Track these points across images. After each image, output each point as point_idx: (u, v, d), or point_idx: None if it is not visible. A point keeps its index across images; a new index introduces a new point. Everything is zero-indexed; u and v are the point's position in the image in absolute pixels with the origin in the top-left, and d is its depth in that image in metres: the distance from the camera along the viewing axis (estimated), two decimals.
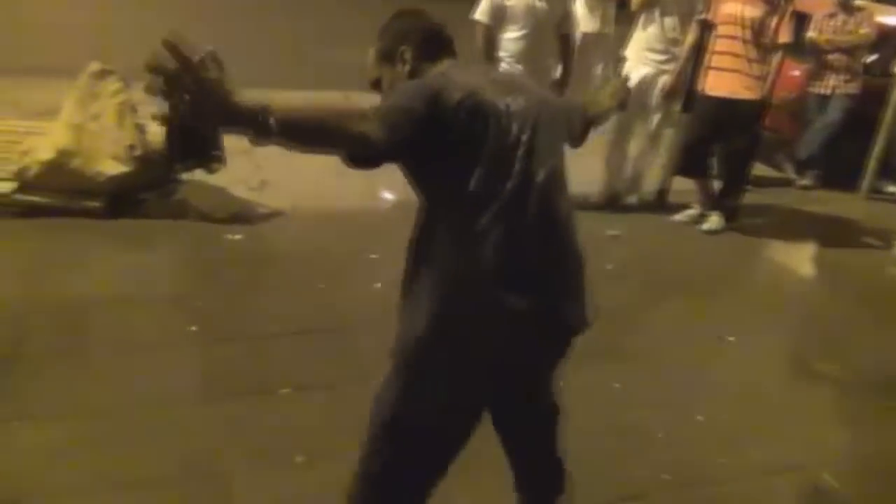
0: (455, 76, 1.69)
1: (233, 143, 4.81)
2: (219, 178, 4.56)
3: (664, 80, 4.94)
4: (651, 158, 5.27)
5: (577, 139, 2.08)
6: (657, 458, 2.78)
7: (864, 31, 5.90)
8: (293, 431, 2.69)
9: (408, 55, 1.80)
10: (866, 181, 6.08)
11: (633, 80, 5.07)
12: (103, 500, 2.31)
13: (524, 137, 1.67)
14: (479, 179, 1.61)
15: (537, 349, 1.77)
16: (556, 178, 1.74)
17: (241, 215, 4.41)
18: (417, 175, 1.70)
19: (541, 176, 1.68)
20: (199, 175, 4.48)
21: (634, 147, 5.25)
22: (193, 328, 3.24)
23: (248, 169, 5.08)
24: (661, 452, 2.82)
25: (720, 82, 4.81)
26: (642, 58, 5.00)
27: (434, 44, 1.83)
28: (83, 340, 3.09)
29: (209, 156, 4.38)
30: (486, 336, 1.66)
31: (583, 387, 3.16)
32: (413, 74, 1.79)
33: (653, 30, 4.95)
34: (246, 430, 2.68)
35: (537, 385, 1.98)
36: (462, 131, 1.59)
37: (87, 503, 2.29)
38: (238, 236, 4.18)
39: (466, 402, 1.76)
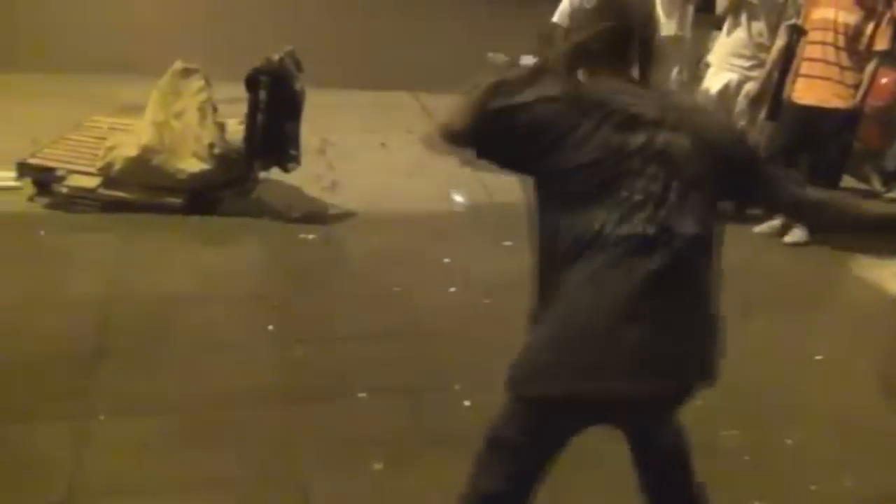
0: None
1: (306, 143, 4.87)
2: (293, 178, 4.60)
3: (749, 87, 4.78)
4: None
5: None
6: (744, 482, 2.66)
7: None
8: (370, 437, 2.67)
9: None
10: None
11: (717, 86, 4.93)
12: (186, 499, 2.32)
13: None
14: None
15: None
16: (695, 242, 1.60)
17: (314, 215, 4.42)
18: None
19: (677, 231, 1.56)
20: (274, 174, 4.52)
21: None
22: (271, 327, 3.25)
23: (320, 169, 5.12)
24: (748, 476, 2.71)
25: (809, 90, 4.62)
26: (727, 63, 4.85)
27: None
28: (164, 337, 3.13)
29: (286, 155, 4.42)
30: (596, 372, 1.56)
31: None
32: None
33: (739, 34, 4.80)
34: (323, 434, 2.67)
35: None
36: None
37: (161, 502, 2.31)
38: (312, 236, 4.19)
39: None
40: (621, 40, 1.68)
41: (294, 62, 4.43)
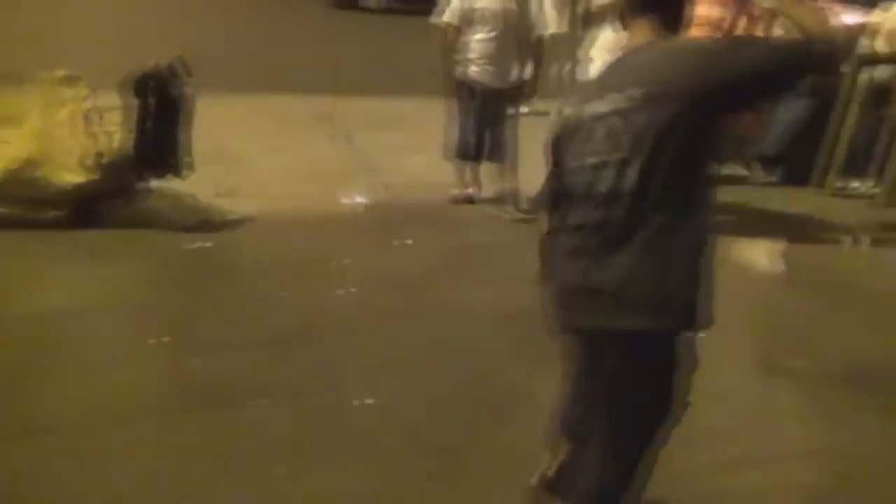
0: None
1: (201, 150, 4.79)
2: (188, 185, 4.51)
3: None
4: None
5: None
6: None
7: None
8: (270, 442, 2.66)
9: None
10: (830, 178, 6.18)
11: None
12: None
13: None
14: None
15: None
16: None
17: (210, 222, 4.36)
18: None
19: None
20: (167, 182, 4.43)
21: None
22: (161, 339, 3.19)
23: (217, 175, 5.04)
24: None
25: None
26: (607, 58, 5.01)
27: None
28: (47, 356, 3.03)
29: (179, 161, 4.34)
30: None
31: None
32: None
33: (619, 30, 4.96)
34: (216, 442, 2.64)
35: None
36: None
37: None
38: (208, 244, 4.13)
39: None
40: None
41: (183, 67, 4.35)
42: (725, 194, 5.70)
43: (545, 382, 3.16)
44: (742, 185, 6.19)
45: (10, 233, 3.93)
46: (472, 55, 4.67)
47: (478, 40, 4.62)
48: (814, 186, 6.20)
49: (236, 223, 4.44)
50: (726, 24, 4.66)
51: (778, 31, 4.50)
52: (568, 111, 1.95)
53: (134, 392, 2.87)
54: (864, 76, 6.03)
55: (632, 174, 1.75)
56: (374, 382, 3.03)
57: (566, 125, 1.94)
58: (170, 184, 4.43)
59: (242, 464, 2.55)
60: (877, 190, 6.13)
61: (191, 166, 4.40)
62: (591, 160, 1.84)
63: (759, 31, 4.65)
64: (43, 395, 2.80)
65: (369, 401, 2.94)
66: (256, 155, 5.55)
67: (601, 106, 1.82)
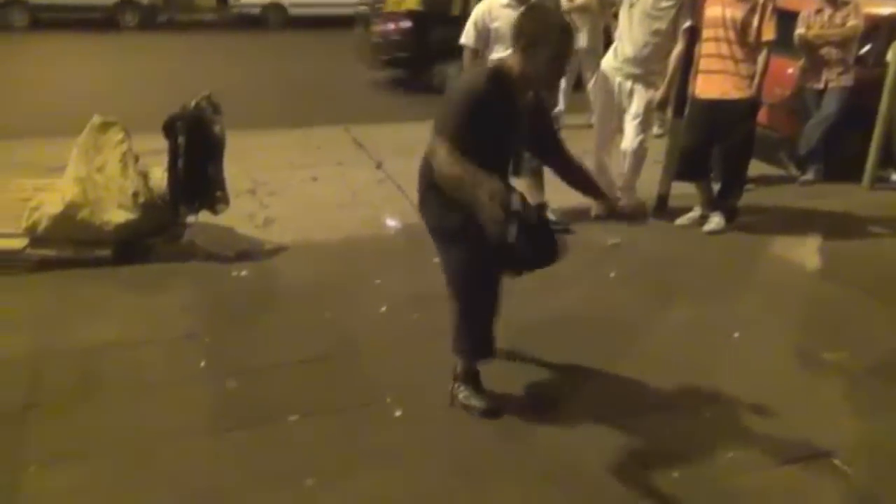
0: None
1: (236, 184, 4.96)
2: (224, 219, 4.66)
3: (653, 94, 4.91)
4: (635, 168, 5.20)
5: None
6: (668, 457, 2.79)
7: (852, 23, 5.92)
8: (302, 456, 2.74)
9: None
10: (868, 172, 6.06)
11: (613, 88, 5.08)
12: None
13: None
14: None
15: None
16: None
17: (247, 253, 4.49)
18: None
19: None
20: (204, 217, 4.58)
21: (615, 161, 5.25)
22: (202, 364, 3.31)
23: (253, 207, 5.20)
24: (671, 451, 2.84)
25: (709, 84, 4.86)
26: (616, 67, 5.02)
27: None
28: (96, 384, 3.16)
29: (213, 197, 4.49)
30: None
31: (595, 393, 3.22)
32: None
33: (626, 39, 4.95)
34: (255, 457, 2.73)
35: None
36: None
37: None
38: (244, 272, 4.26)
39: None
40: None
41: (211, 105, 4.52)
42: (763, 194, 5.72)
43: (572, 393, 3.19)
44: (779, 185, 6.14)
45: (60, 272, 4.11)
46: None
47: (496, 60, 4.70)
48: (854, 181, 6.09)
49: (273, 252, 4.56)
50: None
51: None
52: None
53: (178, 413, 2.98)
54: None
55: None
56: (404, 397, 3.08)
57: None
58: (207, 219, 4.59)
59: (275, 476, 2.63)
60: None
61: (225, 200, 4.54)
62: None
63: None
64: (95, 418, 2.93)
65: (398, 413, 3.00)
66: (289, 186, 5.70)
67: None
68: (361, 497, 2.56)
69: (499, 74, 2.67)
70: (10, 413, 2.94)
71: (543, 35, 2.61)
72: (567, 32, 2.71)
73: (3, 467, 2.64)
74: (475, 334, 2.95)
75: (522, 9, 3.15)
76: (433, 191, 2.76)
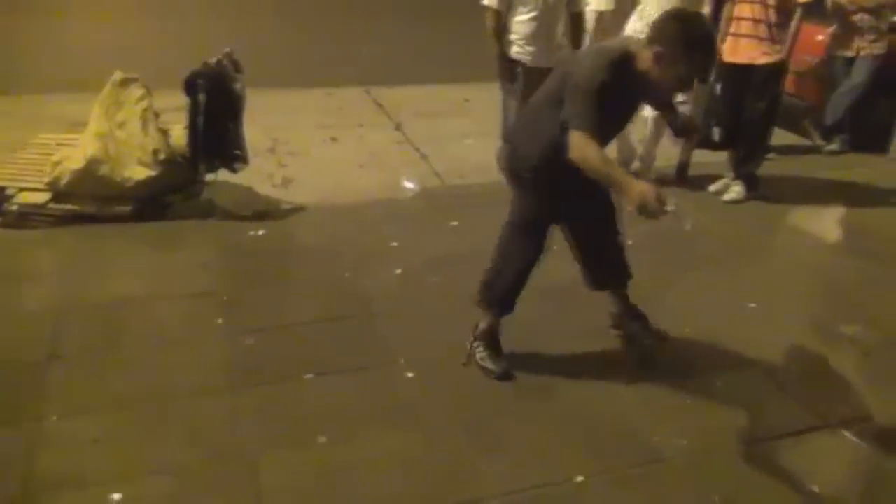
0: None
1: (256, 143, 4.96)
2: (243, 178, 4.69)
3: None
4: (656, 136, 5.16)
5: None
6: (680, 424, 2.81)
7: None
8: (316, 414, 2.78)
9: None
10: (895, 143, 5.95)
11: None
12: (139, 485, 2.43)
13: None
14: None
15: None
16: None
17: (266, 212, 4.51)
18: None
19: None
20: (223, 175, 4.61)
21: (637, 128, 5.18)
22: (220, 321, 3.35)
23: (271, 167, 5.22)
24: (685, 418, 2.86)
25: (736, 49, 4.77)
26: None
27: None
28: (117, 338, 3.23)
29: (231, 155, 4.50)
30: None
31: (611, 357, 3.24)
32: None
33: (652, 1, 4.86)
34: (270, 414, 2.78)
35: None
36: None
37: (123, 489, 2.40)
38: (262, 231, 4.29)
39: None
40: None
41: (232, 63, 4.51)
42: (787, 164, 5.63)
43: (588, 356, 3.21)
44: (803, 154, 6.04)
45: (82, 227, 4.18)
46: (513, 36, 4.68)
47: (518, 21, 4.63)
48: (880, 151, 5.98)
49: (291, 212, 4.58)
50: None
51: None
52: None
53: (196, 369, 3.04)
54: None
55: None
56: (418, 358, 3.11)
57: None
58: (226, 177, 4.61)
59: (289, 433, 2.68)
60: None
61: (244, 159, 4.56)
62: None
63: None
64: (116, 372, 2.99)
65: (410, 374, 3.04)
66: (309, 146, 5.70)
67: None
68: (373, 454, 2.60)
69: (624, 62, 2.61)
70: (33, 364, 3.01)
71: (687, 56, 2.54)
72: (711, 55, 2.68)
73: (25, 417, 2.71)
74: (508, 285, 2.99)
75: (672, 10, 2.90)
76: (546, 168, 2.78)
